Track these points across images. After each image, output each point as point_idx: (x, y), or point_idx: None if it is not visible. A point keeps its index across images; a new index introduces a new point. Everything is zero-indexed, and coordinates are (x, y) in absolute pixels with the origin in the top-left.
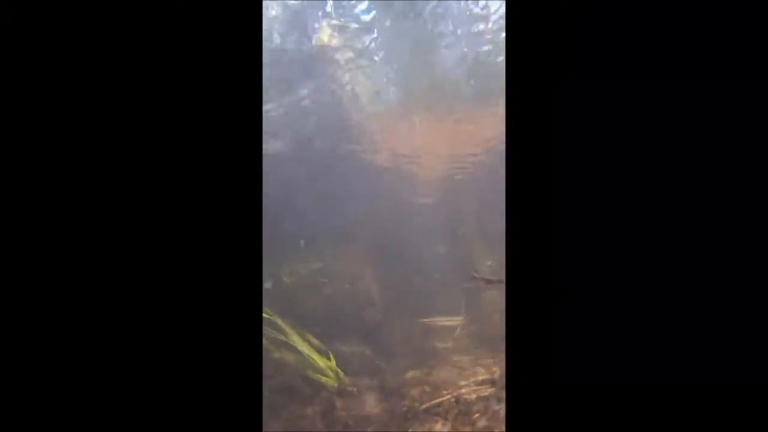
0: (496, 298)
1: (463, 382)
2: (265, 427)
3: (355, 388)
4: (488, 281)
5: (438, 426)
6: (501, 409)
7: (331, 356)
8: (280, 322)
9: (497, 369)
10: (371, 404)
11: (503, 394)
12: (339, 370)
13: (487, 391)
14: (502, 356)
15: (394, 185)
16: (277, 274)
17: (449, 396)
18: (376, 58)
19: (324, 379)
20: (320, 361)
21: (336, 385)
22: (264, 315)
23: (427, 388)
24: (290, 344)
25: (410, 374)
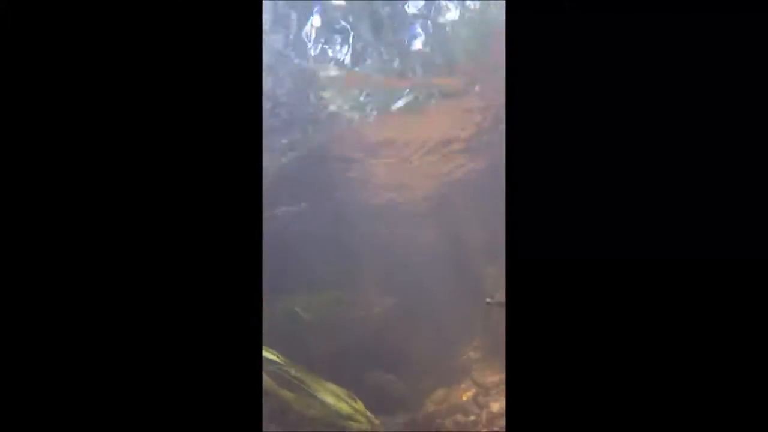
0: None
1: (493, 405)
2: None
3: (384, 430)
4: (502, 305)
5: None
6: None
7: (358, 401)
8: (298, 372)
9: None
10: None
11: None
12: (367, 412)
13: None
14: None
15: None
16: (291, 309)
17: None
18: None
19: (355, 424)
20: (347, 408)
21: (368, 428)
22: (285, 366)
23: (458, 417)
24: (313, 395)
25: (436, 400)
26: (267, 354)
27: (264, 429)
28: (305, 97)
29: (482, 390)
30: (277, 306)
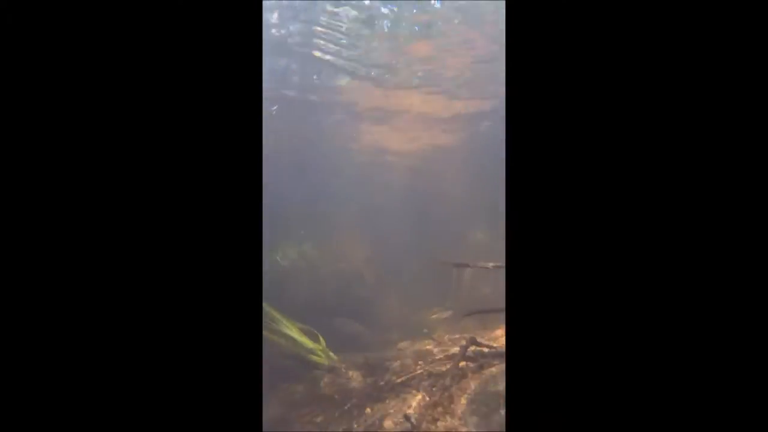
0: (480, 274)
1: (439, 353)
2: (264, 406)
3: (343, 365)
4: (458, 265)
5: (410, 396)
6: (465, 380)
7: (321, 338)
8: (272, 311)
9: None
10: (356, 379)
11: (469, 365)
12: (328, 350)
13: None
14: (480, 332)
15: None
16: (272, 258)
17: (421, 371)
18: None
19: (315, 358)
20: (310, 344)
21: (327, 363)
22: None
23: (407, 361)
24: (282, 331)
25: (392, 350)
26: None
27: None
28: None
29: (441, 347)
30: None
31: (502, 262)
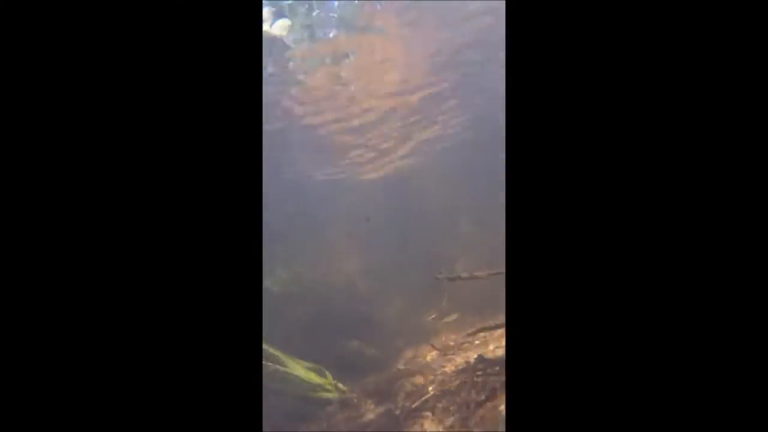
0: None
1: (447, 366)
2: None
3: (354, 396)
4: (451, 279)
5: (427, 422)
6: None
7: (327, 373)
8: (275, 351)
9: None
10: (370, 409)
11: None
12: (337, 383)
13: (465, 377)
14: (479, 336)
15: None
16: (263, 285)
17: (433, 392)
18: None
19: (325, 394)
20: (318, 380)
21: (337, 396)
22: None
23: (417, 379)
24: (287, 372)
25: (402, 363)
26: None
27: None
28: None
29: (446, 356)
30: None
31: (494, 268)
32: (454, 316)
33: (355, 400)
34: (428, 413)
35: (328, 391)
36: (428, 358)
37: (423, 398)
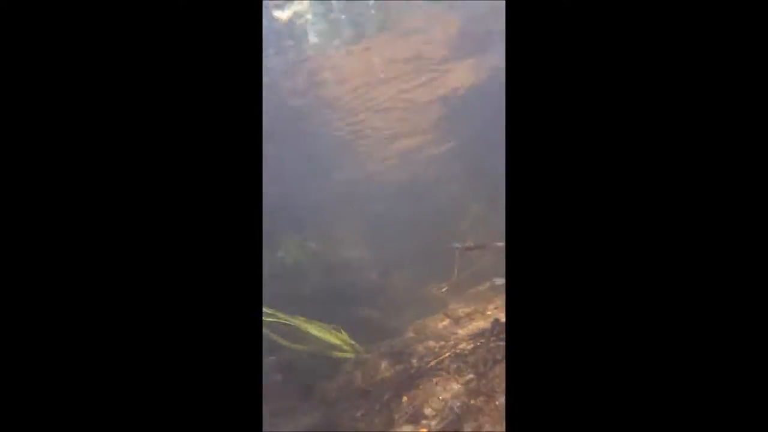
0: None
1: (460, 331)
2: (299, 406)
3: (369, 356)
4: (468, 248)
5: (443, 380)
6: (491, 359)
7: (342, 331)
8: (288, 316)
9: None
10: (386, 369)
11: (491, 343)
12: (352, 341)
13: (479, 341)
14: (489, 305)
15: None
16: (275, 257)
17: (448, 353)
18: None
19: (341, 354)
20: (334, 339)
21: (353, 355)
22: (275, 316)
23: (430, 343)
24: (303, 332)
25: (413, 331)
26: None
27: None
28: None
29: (453, 320)
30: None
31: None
32: (448, 286)
33: (371, 360)
34: (444, 372)
35: (344, 350)
36: (440, 325)
37: (438, 358)
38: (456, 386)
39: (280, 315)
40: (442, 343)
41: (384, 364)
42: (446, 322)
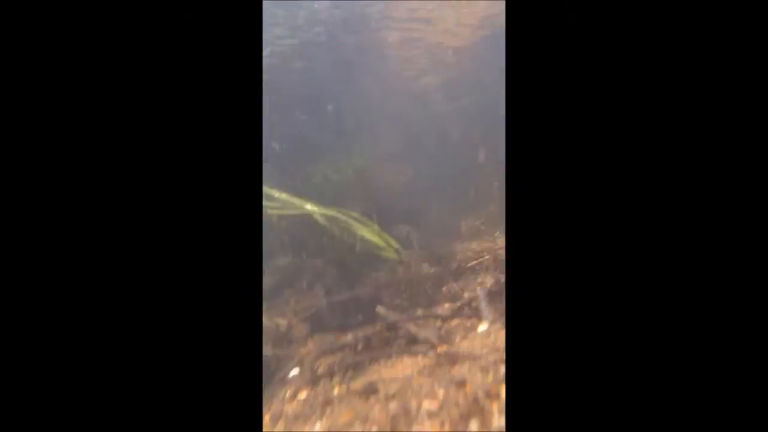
0: None
1: (499, 242)
2: (357, 287)
3: (409, 259)
4: None
5: (480, 277)
6: None
7: (386, 237)
8: (340, 214)
9: None
10: (427, 268)
11: None
12: (396, 245)
13: None
14: None
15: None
16: (326, 173)
17: (488, 256)
18: None
19: (386, 253)
20: (380, 241)
21: (396, 257)
22: (333, 212)
23: (469, 253)
24: (352, 231)
25: (452, 247)
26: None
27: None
28: None
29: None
30: (312, 168)
31: None
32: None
33: (413, 262)
34: (483, 271)
35: (389, 252)
36: (482, 244)
37: (479, 259)
38: (494, 279)
39: (332, 210)
40: (483, 248)
41: (424, 265)
42: (490, 243)
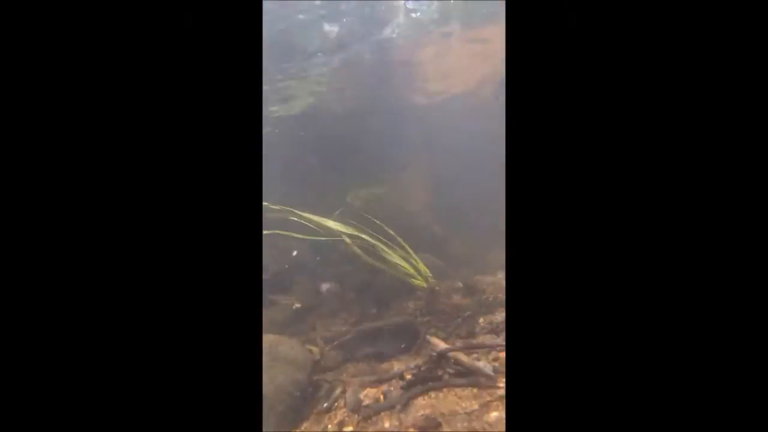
0: None
1: None
2: (388, 317)
3: (439, 287)
4: None
5: None
6: None
7: (418, 261)
8: (371, 239)
9: None
10: (459, 299)
11: None
12: (427, 271)
13: None
14: None
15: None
16: (344, 200)
17: None
18: None
19: (416, 281)
20: (410, 268)
21: (425, 285)
22: (362, 235)
23: (500, 285)
24: (383, 257)
25: (483, 277)
26: (347, 229)
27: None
28: None
29: None
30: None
31: None
32: None
33: (442, 291)
34: None
35: (417, 279)
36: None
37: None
38: None
39: (365, 235)
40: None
41: (455, 296)
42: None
